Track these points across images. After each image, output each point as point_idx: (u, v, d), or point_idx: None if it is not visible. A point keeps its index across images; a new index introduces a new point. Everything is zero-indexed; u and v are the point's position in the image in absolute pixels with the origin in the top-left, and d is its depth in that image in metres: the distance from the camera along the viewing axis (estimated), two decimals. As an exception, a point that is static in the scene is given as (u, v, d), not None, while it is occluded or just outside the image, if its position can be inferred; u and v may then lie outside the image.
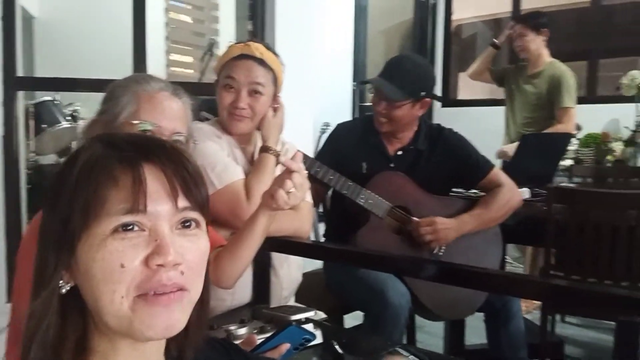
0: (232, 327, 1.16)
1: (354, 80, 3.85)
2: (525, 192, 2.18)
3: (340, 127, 2.03)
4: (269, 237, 1.39)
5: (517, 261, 3.95)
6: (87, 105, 3.56)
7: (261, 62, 1.48)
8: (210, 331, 1.18)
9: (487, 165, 1.93)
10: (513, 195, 1.89)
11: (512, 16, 4.05)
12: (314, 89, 2.71)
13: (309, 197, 1.59)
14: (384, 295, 1.68)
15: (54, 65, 3.61)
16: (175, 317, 0.58)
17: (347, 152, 1.89)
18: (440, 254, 1.88)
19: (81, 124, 3.48)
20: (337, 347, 1.12)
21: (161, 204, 0.58)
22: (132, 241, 0.56)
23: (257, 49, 1.50)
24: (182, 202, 0.59)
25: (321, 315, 1.96)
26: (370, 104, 1.97)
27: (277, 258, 1.55)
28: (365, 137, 1.93)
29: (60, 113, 3.34)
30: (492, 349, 1.94)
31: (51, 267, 0.57)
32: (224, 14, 4.17)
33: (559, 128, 3.05)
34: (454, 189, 2.10)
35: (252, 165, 1.53)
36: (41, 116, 3.20)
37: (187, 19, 4.28)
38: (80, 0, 3.71)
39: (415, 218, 1.84)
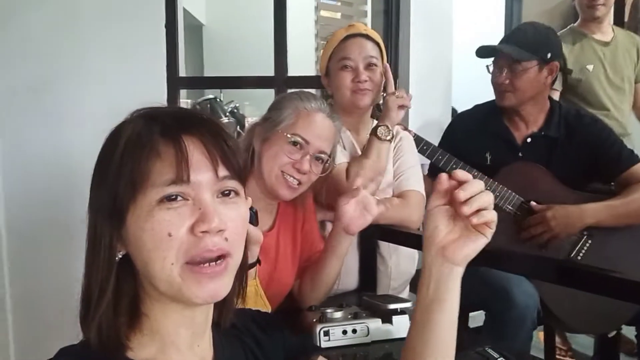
0: (329, 310, 1.19)
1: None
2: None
3: (460, 116, 1.93)
4: (374, 224, 1.40)
5: None
6: (255, 104, 3.90)
7: (368, 37, 1.55)
8: (308, 312, 1.24)
9: (632, 159, 1.69)
10: None
11: None
12: (451, 78, 2.61)
13: (419, 187, 1.55)
14: (508, 294, 1.56)
15: (220, 68, 3.99)
16: (220, 284, 0.61)
17: (468, 142, 1.78)
18: (579, 258, 1.68)
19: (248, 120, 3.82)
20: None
21: (203, 174, 0.60)
22: (178, 211, 0.59)
23: (361, 27, 1.57)
24: (222, 171, 0.61)
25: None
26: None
27: (386, 247, 1.54)
28: (488, 125, 1.80)
29: (221, 109, 3.69)
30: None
31: (106, 237, 0.61)
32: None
33: None
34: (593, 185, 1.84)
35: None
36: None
37: (337, 15, 4.40)
38: (241, 7, 4.05)
39: (533, 204, 1.66)
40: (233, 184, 0.63)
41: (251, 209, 1.06)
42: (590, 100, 2.35)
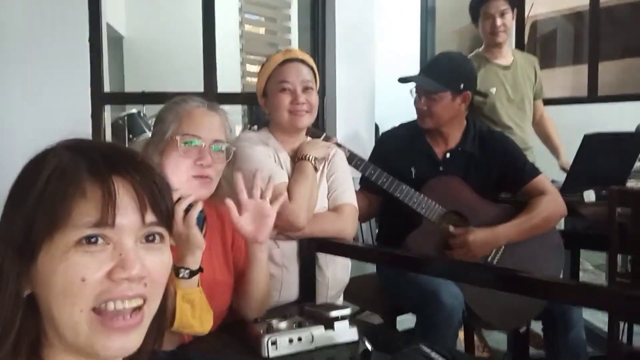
0: (274, 321, 1.25)
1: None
2: (590, 195, 2.09)
3: (387, 134, 2.07)
4: (313, 238, 1.46)
5: (599, 269, 3.74)
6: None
7: (304, 62, 1.63)
8: (254, 324, 1.28)
9: (533, 172, 1.91)
10: (556, 205, 1.85)
11: (590, 9, 3.82)
12: (374, 94, 2.76)
13: (352, 200, 1.65)
14: (437, 296, 1.68)
15: (141, 81, 3.90)
16: (131, 339, 0.58)
17: (395, 158, 1.92)
18: (495, 262, 1.85)
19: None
20: (367, 343, 1.17)
21: (129, 218, 0.57)
22: (95, 255, 0.56)
23: (298, 52, 1.66)
24: (150, 217, 0.59)
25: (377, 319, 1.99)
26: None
27: (323, 259, 1.62)
28: (412, 142, 1.95)
29: (145, 124, 3.62)
30: (551, 360, 1.88)
31: (13, 273, 0.56)
32: (295, 24, 4.32)
33: (549, 121, 2.78)
34: (502, 195, 2.06)
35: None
36: (128, 128, 3.50)
37: (261, 31, 4.48)
38: (163, 19, 4.00)
39: (452, 229, 1.83)
40: (159, 229, 0.61)
41: (202, 211, 1.10)
42: (494, 120, 2.57)
